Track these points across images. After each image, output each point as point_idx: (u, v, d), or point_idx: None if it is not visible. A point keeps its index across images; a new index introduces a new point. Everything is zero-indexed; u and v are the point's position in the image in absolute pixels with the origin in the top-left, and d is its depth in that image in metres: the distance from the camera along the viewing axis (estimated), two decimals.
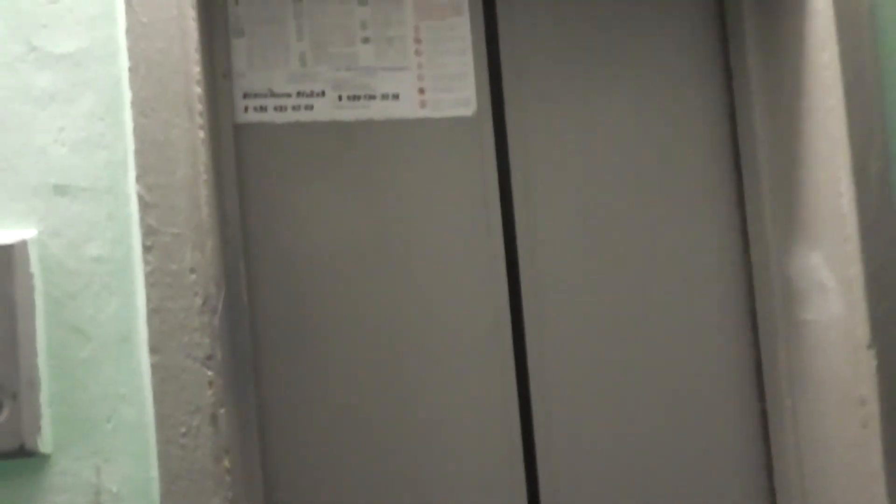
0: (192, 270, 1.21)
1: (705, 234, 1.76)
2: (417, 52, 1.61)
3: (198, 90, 1.24)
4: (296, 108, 1.54)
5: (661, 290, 1.72)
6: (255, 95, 1.52)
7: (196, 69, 1.24)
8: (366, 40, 1.58)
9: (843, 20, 1.53)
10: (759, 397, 1.75)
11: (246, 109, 1.52)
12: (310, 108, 1.55)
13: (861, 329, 1.51)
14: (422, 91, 1.60)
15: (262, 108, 1.52)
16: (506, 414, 1.62)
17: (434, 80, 1.61)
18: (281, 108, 1.53)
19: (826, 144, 1.55)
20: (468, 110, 1.62)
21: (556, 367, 1.66)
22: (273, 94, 1.53)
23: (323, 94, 1.55)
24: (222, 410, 1.22)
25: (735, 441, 1.74)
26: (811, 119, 1.58)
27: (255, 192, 1.52)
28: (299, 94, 1.54)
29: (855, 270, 1.51)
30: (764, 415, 1.75)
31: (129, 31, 1.20)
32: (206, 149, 1.26)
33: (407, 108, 1.59)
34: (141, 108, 1.20)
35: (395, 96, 1.59)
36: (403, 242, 1.59)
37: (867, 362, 1.50)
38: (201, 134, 1.24)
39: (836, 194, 1.54)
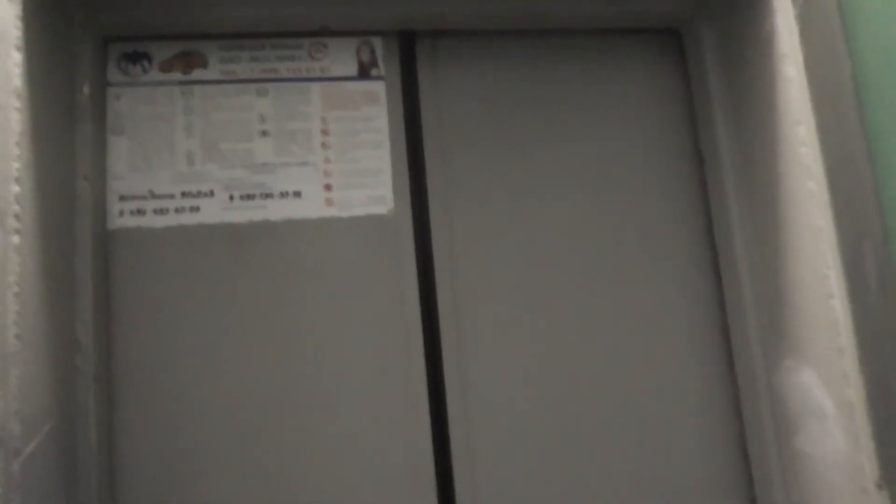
0: None
1: (674, 344, 1.46)
2: (324, 146, 1.41)
3: (16, 189, 1.06)
4: (179, 210, 1.35)
5: (623, 411, 1.42)
6: (133, 198, 1.34)
7: (15, 166, 1.06)
8: (264, 134, 1.40)
9: (820, 87, 1.27)
10: None
11: (121, 213, 1.33)
12: (195, 209, 1.35)
13: (869, 465, 1.18)
14: (328, 188, 1.40)
15: (140, 212, 1.34)
16: None
17: (343, 177, 1.41)
18: (161, 211, 1.34)
19: (809, 236, 1.27)
20: (383, 208, 1.41)
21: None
22: (153, 196, 1.35)
23: (211, 193, 1.36)
24: None
25: None
26: (790, 207, 1.31)
27: (125, 310, 1.31)
28: (184, 194, 1.36)
29: (855, 392, 1.19)
30: None
31: None
32: (23, 258, 1.06)
33: (310, 208, 1.39)
34: None
35: (297, 194, 1.39)
36: (308, 368, 1.34)
37: None
38: (15, 240, 1.05)
39: (825, 295, 1.24)
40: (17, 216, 1.06)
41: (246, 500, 1.29)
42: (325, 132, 1.41)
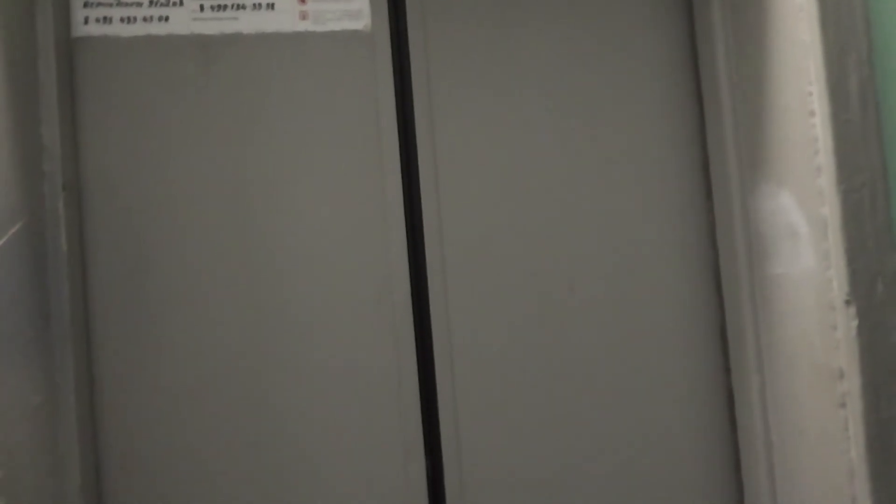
0: None
1: (652, 169, 1.45)
2: None
3: None
4: (147, 19, 1.30)
5: (600, 243, 1.42)
6: (98, 4, 1.29)
7: None
8: None
9: None
10: (723, 369, 1.44)
11: (86, 20, 1.28)
12: (164, 19, 1.30)
13: (837, 282, 1.19)
14: (302, 0, 1.35)
15: (106, 20, 1.29)
16: (402, 403, 1.35)
17: None
18: (129, 20, 1.30)
19: (795, 51, 1.24)
20: (360, 24, 1.36)
21: (466, 341, 1.37)
22: (120, 3, 1.29)
23: (181, 3, 1.31)
24: None
25: (695, 429, 1.43)
26: (777, 21, 1.27)
27: (92, 118, 1.28)
28: (152, 3, 1.30)
29: (830, 209, 1.19)
30: (730, 395, 1.43)
31: None
32: None
33: (284, 20, 1.34)
34: None
35: (270, 6, 1.33)
36: (276, 187, 1.32)
37: (845, 323, 1.18)
38: None
39: (806, 113, 1.22)
40: None
41: (226, 300, 1.30)
42: None
